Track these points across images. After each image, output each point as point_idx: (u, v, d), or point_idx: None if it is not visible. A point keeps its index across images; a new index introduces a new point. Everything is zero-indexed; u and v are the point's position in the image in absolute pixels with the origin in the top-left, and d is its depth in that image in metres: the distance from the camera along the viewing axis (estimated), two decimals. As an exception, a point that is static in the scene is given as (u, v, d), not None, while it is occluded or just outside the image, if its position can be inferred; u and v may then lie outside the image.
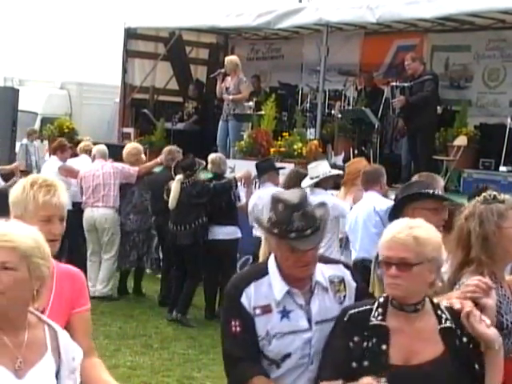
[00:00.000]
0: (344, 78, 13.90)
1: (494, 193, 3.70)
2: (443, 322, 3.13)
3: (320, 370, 3.23)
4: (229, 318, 3.33)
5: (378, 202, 7.41)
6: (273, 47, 16.50)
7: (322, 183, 8.32)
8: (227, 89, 12.95)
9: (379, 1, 11.45)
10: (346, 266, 3.54)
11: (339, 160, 12.04)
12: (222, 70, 13.18)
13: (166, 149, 10.83)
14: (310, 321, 3.29)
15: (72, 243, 10.50)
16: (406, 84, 11.56)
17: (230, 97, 12.81)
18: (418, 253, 3.06)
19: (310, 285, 3.33)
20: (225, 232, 9.53)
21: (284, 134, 12.08)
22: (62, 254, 11.80)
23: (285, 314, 3.29)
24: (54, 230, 3.18)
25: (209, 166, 10.02)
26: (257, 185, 10.19)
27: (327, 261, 3.48)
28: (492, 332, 3.08)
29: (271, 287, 3.30)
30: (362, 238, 7.42)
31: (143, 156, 11.07)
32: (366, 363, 3.08)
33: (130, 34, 15.73)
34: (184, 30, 15.51)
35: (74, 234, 10.43)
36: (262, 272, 3.35)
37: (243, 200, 9.73)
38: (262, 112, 12.48)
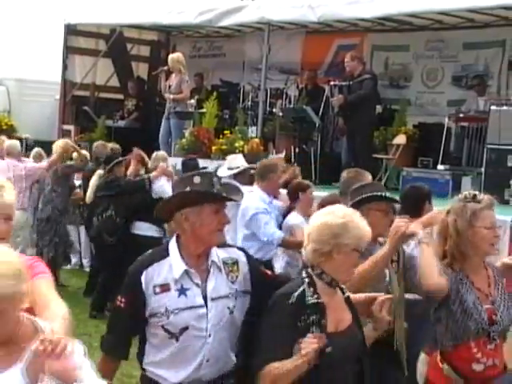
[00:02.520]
0: (285, 77, 13.97)
1: (475, 192, 4.07)
2: (344, 292, 3.59)
3: (263, 352, 3.42)
4: (121, 293, 3.66)
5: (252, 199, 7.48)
6: (214, 45, 16.49)
7: (239, 177, 8.38)
8: (169, 87, 12.91)
9: (320, 0, 11.52)
10: (240, 249, 3.85)
11: (280, 158, 12.11)
12: (165, 68, 13.11)
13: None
14: (205, 298, 3.58)
15: None
16: (344, 83, 11.68)
17: (171, 96, 12.77)
18: None
19: (207, 264, 3.61)
20: (142, 228, 9.39)
21: (225, 131, 12.09)
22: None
23: (182, 291, 3.57)
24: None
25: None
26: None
27: (221, 245, 3.71)
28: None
29: (171, 268, 3.58)
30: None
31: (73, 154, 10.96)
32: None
33: (70, 31, 15.57)
34: (125, 26, 15.42)
35: None
36: (163, 254, 3.64)
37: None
38: (204, 110, 12.47)
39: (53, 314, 3.08)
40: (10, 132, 14.62)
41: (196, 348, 3.57)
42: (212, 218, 3.53)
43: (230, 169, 8.51)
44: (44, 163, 10.76)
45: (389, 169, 11.65)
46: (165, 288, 3.55)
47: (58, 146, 10.62)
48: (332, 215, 3.46)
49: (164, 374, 3.72)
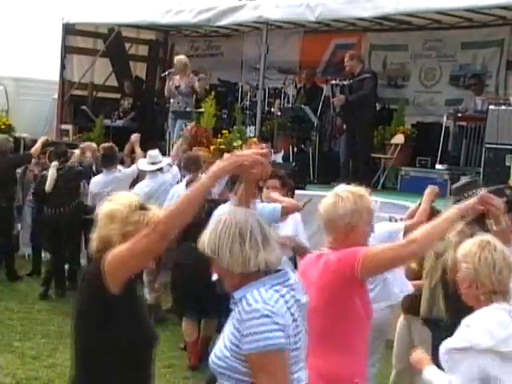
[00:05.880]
0: (283, 76, 13.94)
1: None
2: None
3: None
4: None
5: None
6: (213, 44, 16.48)
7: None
8: (177, 88, 12.83)
9: (318, -1, 11.54)
10: None
11: (279, 157, 12.10)
12: (173, 70, 13.10)
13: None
14: None
15: None
16: (345, 82, 11.67)
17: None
18: None
19: None
20: None
21: (224, 131, 12.08)
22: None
23: None
24: None
25: None
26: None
27: None
28: None
29: None
30: None
31: None
32: None
33: (69, 30, 15.57)
34: (123, 26, 15.40)
35: None
36: None
37: None
38: (202, 109, 12.46)
39: None
40: (8, 131, 14.60)
41: None
42: None
43: (153, 163, 9.65)
44: None
45: (387, 168, 11.67)
46: None
47: None
48: None
49: None
